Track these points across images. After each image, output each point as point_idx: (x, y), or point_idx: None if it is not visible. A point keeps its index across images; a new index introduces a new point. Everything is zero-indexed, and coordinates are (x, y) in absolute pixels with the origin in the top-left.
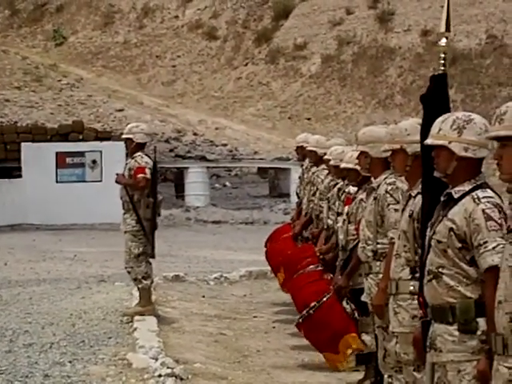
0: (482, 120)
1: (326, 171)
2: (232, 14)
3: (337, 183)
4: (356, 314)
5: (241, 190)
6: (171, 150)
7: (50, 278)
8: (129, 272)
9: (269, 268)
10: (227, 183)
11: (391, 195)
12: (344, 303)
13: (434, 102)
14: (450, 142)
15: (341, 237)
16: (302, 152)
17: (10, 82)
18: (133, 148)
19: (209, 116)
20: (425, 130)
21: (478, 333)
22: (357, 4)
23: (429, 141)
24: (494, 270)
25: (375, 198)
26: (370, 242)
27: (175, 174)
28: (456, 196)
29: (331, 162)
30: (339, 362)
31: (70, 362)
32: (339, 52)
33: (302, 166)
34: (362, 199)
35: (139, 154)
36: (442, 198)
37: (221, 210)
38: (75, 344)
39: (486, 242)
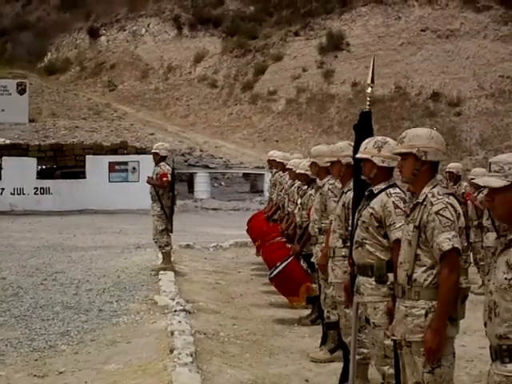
0: (394, 142)
1: (288, 175)
2: (227, 70)
3: (294, 183)
4: (309, 270)
5: (231, 187)
6: (185, 161)
7: (104, 245)
8: (155, 242)
9: (249, 239)
10: (222, 183)
11: (331, 191)
12: (301, 262)
13: (362, 129)
14: (372, 156)
15: (298, 219)
16: (272, 163)
17: (79, 115)
18: (158, 159)
19: (211, 138)
20: (356, 148)
21: (388, 283)
22: (310, 65)
23: (358, 155)
24: (398, 242)
25: (321, 193)
26: (316, 223)
27: (188, 176)
28: (376, 192)
29: (292, 170)
30: (298, 301)
31: (116, 301)
32: (297, 97)
33: (272, 172)
34: (311, 194)
35: (163, 163)
36: (366, 193)
37: (218, 201)
38: (120, 289)
39: (394, 223)
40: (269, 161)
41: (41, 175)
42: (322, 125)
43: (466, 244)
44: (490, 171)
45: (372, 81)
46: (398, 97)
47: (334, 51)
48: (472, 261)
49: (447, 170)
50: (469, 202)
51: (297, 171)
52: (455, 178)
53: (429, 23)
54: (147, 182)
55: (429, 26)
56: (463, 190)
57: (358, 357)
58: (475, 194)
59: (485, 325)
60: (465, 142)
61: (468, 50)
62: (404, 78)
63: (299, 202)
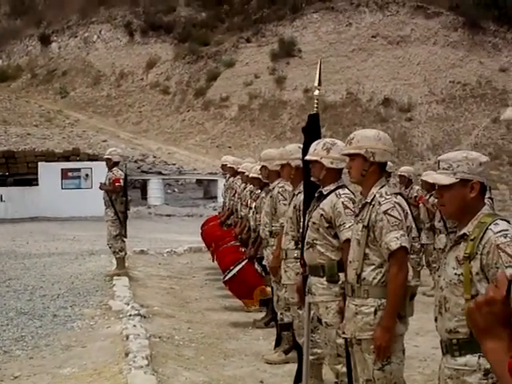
0: (342, 144)
1: (241, 180)
2: (179, 77)
3: (246, 187)
4: (263, 273)
5: (185, 194)
6: (138, 167)
7: (57, 252)
8: (110, 247)
9: (203, 245)
10: (176, 189)
11: (281, 194)
12: (256, 266)
13: (311, 132)
14: (321, 158)
15: (252, 223)
16: (224, 168)
17: (31, 122)
18: (111, 165)
19: (164, 145)
20: (305, 150)
21: (339, 282)
22: (262, 71)
23: (308, 157)
24: (348, 242)
25: (271, 196)
26: (267, 226)
27: (141, 183)
28: (325, 193)
29: (244, 173)
30: (253, 305)
31: (70, 306)
32: (250, 103)
33: (225, 177)
34: (262, 197)
35: (115, 168)
36: (316, 195)
37: (171, 207)
38: (74, 295)
39: (344, 223)
40: (222, 166)
41: None
42: (274, 131)
43: (418, 246)
44: (439, 169)
45: (319, 84)
46: (350, 103)
47: (286, 58)
48: (424, 263)
49: (399, 173)
50: (421, 204)
51: (250, 175)
52: (407, 182)
53: (379, 30)
54: (100, 187)
55: (379, 33)
56: (415, 194)
57: (311, 357)
58: (427, 197)
59: (435, 320)
60: (416, 147)
61: (418, 56)
62: (355, 84)
63: (253, 205)
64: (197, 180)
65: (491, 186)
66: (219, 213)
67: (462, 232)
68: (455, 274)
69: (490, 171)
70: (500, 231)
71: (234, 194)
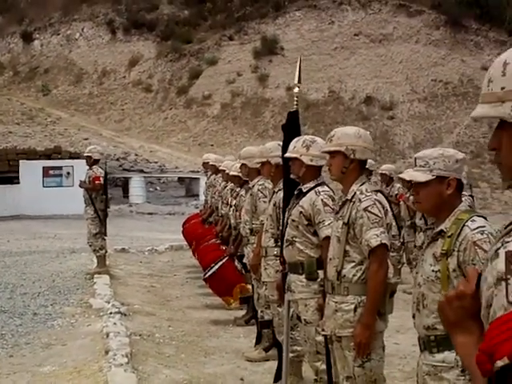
0: (322, 141)
1: (221, 177)
2: (162, 75)
3: (227, 185)
4: (243, 271)
5: (166, 192)
6: (120, 166)
7: (38, 250)
8: (90, 245)
9: (185, 243)
10: (157, 188)
11: (261, 192)
12: (236, 263)
13: (290, 129)
14: (301, 155)
15: (232, 221)
16: (206, 166)
17: (13, 120)
18: (91, 162)
19: (146, 143)
20: (285, 148)
21: (318, 280)
22: (244, 69)
23: (287, 154)
24: (328, 239)
25: (251, 194)
26: (247, 223)
27: (123, 181)
28: (305, 190)
29: (225, 171)
30: (233, 301)
31: (51, 304)
32: (232, 101)
33: (207, 175)
34: (242, 195)
35: (95, 166)
36: (296, 192)
37: (153, 206)
38: (55, 293)
39: (323, 221)
40: (204, 164)
41: None
42: (256, 129)
43: (399, 244)
44: (415, 166)
45: (299, 81)
46: (332, 101)
47: (269, 55)
48: (405, 260)
49: (380, 171)
50: (401, 202)
51: (230, 173)
52: (388, 180)
53: (362, 28)
54: (80, 185)
55: (362, 31)
56: (396, 192)
57: (291, 354)
58: (407, 195)
59: (413, 316)
60: (398, 146)
61: (401, 54)
62: (338, 82)
63: (233, 203)
64: (179, 178)
65: (472, 184)
66: (201, 211)
67: (439, 229)
68: (432, 270)
69: (471, 169)
70: (477, 228)
71: (216, 192)
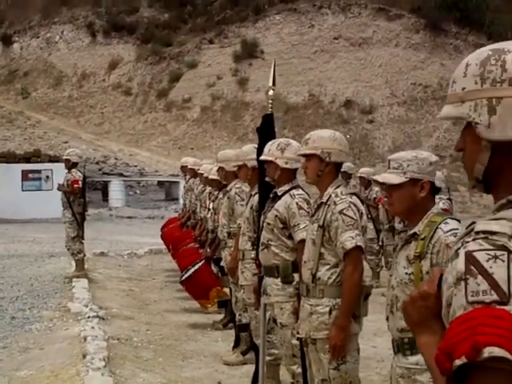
0: (297, 144)
1: (199, 181)
2: (141, 78)
3: (205, 189)
4: (219, 274)
5: (146, 196)
6: (100, 169)
7: (17, 254)
8: (68, 249)
9: (164, 247)
10: (137, 191)
11: (239, 195)
12: (212, 266)
13: (265, 132)
14: (276, 158)
15: (210, 224)
16: (184, 169)
17: None
18: (70, 166)
19: (125, 146)
20: (260, 151)
21: (294, 283)
22: (224, 72)
23: (262, 157)
24: (303, 242)
25: (228, 198)
26: (225, 227)
27: (102, 185)
28: (280, 193)
29: (203, 175)
30: (209, 305)
31: (29, 308)
32: (212, 104)
33: (185, 179)
34: (220, 198)
35: (74, 170)
36: (271, 195)
37: (132, 209)
38: (33, 297)
39: (298, 224)
40: (182, 167)
41: None
42: (236, 132)
43: (377, 247)
44: (389, 168)
45: (273, 83)
46: (312, 104)
47: (249, 59)
48: (384, 264)
49: (359, 175)
50: (380, 206)
51: (209, 177)
52: (366, 183)
53: (342, 31)
54: (58, 188)
55: (342, 34)
56: (375, 195)
57: (268, 358)
58: (386, 199)
59: (387, 319)
60: (377, 149)
61: (380, 57)
62: (317, 85)
63: (211, 206)
64: (158, 182)
65: (451, 188)
66: (179, 214)
67: (412, 231)
68: (406, 273)
69: (450, 173)
70: (450, 230)
71: (193, 196)
